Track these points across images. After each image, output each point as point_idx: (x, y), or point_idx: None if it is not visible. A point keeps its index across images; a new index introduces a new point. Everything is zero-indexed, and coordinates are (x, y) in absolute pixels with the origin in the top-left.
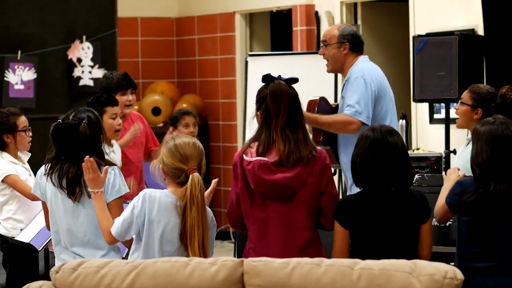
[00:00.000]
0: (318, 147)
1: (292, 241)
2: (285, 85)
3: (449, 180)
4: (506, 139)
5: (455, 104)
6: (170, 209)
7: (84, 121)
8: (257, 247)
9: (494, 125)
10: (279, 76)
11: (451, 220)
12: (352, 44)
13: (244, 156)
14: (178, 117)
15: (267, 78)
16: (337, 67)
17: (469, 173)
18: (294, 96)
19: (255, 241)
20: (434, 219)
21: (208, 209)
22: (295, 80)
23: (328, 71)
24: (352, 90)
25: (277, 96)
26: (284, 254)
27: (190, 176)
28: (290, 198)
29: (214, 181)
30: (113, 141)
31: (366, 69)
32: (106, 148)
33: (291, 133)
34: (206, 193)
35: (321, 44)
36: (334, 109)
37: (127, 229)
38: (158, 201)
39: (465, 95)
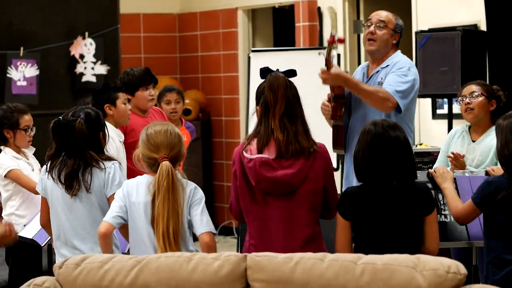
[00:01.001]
0: (319, 142)
1: (293, 237)
2: (283, 76)
3: (447, 179)
4: None
5: (467, 98)
6: (150, 191)
7: (81, 117)
8: (258, 244)
9: None
10: (277, 70)
11: (447, 216)
12: (399, 38)
13: (244, 153)
14: (161, 93)
15: (265, 71)
16: (382, 52)
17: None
18: (292, 87)
19: (256, 238)
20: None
21: (192, 184)
22: (293, 72)
23: (369, 51)
24: (401, 74)
25: (274, 86)
26: (285, 250)
27: (160, 165)
28: (291, 194)
29: None
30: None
31: (413, 66)
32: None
33: (290, 124)
34: None
35: (376, 23)
36: None
37: (116, 213)
38: (136, 185)
39: (475, 87)
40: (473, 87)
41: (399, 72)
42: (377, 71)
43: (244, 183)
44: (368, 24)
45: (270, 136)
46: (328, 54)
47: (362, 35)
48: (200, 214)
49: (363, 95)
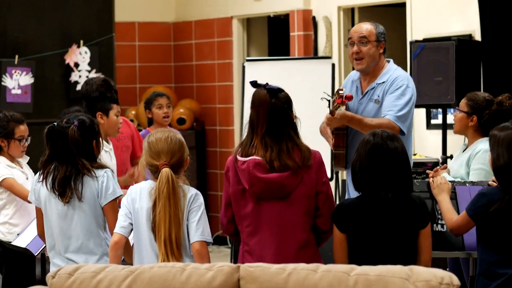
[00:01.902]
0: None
1: (287, 242)
2: (265, 94)
3: (443, 190)
4: None
5: (451, 111)
6: (152, 197)
7: (74, 124)
8: (251, 249)
9: (511, 129)
10: (267, 83)
11: (444, 226)
12: (385, 45)
13: (237, 156)
14: (151, 99)
15: (254, 84)
16: (372, 66)
17: (460, 177)
18: (276, 103)
19: (250, 243)
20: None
21: (193, 191)
22: (279, 90)
23: (360, 70)
24: (399, 95)
25: (256, 104)
26: (279, 255)
27: (160, 172)
28: (284, 198)
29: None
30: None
31: (411, 80)
32: (105, 147)
33: (273, 142)
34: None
35: (358, 41)
36: None
37: (124, 222)
38: (140, 190)
39: (462, 102)
40: (462, 101)
41: (397, 93)
42: (373, 88)
43: (238, 189)
44: (351, 43)
45: (254, 152)
46: (335, 109)
47: None
48: (196, 222)
49: (367, 129)
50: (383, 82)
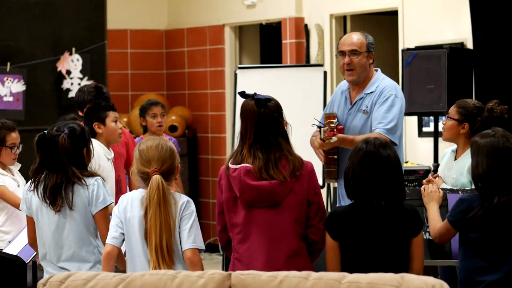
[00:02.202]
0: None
1: (278, 249)
2: (252, 104)
3: (433, 199)
4: (506, 151)
5: (443, 118)
6: (143, 204)
7: (64, 132)
8: (241, 256)
9: (495, 137)
10: (255, 93)
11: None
12: (374, 54)
13: (229, 164)
14: (146, 107)
15: (242, 95)
16: (363, 77)
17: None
18: (266, 113)
19: (240, 251)
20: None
21: (185, 198)
22: (267, 100)
23: (351, 81)
24: (389, 107)
25: (243, 114)
26: (270, 263)
27: (151, 179)
28: (275, 206)
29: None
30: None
31: (398, 89)
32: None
33: (261, 153)
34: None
35: (349, 52)
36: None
37: (116, 233)
38: (131, 199)
39: (452, 109)
40: (451, 109)
41: (386, 105)
42: (361, 98)
43: (231, 197)
44: (341, 53)
45: (242, 161)
46: (327, 139)
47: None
48: (188, 229)
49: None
50: (371, 92)
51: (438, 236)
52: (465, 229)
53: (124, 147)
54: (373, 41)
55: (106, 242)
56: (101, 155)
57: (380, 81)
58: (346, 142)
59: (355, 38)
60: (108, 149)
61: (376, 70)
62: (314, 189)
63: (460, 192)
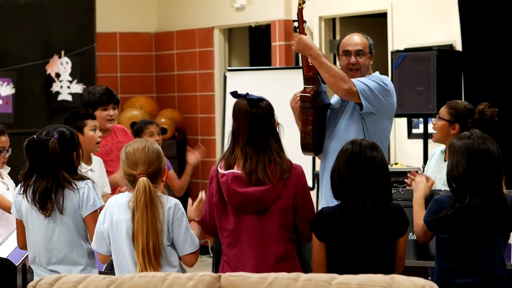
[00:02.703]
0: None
1: (265, 255)
2: (245, 104)
3: (418, 189)
4: (481, 153)
5: (433, 119)
6: (130, 208)
7: (54, 137)
8: (230, 260)
9: (470, 139)
10: (247, 93)
11: None
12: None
13: (218, 169)
14: (142, 127)
15: (234, 95)
16: (363, 75)
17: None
18: (258, 114)
19: (229, 255)
20: (411, 234)
21: (173, 201)
22: (259, 100)
23: (355, 78)
24: (371, 77)
25: (236, 114)
26: (258, 267)
27: (137, 181)
28: (263, 211)
29: (201, 193)
30: (93, 158)
31: (387, 78)
32: (83, 168)
33: (253, 153)
34: (194, 205)
35: (355, 52)
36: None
37: (101, 239)
38: (117, 203)
39: (443, 110)
40: (442, 109)
41: (369, 77)
42: None
43: (220, 200)
44: (345, 53)
45: (234, 161)
46: (300, 16)
47: (337, 56)
48: (183, 234)
49: (323, 68)
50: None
51: (419, 236)
52: (437, 230)
53: None
54: (373, 42)
55: (98, 251)
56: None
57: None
58: (313, 52)
59: (359, 39)
60: (89, 158)
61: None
62: (302, 193)
63: (441, 193)
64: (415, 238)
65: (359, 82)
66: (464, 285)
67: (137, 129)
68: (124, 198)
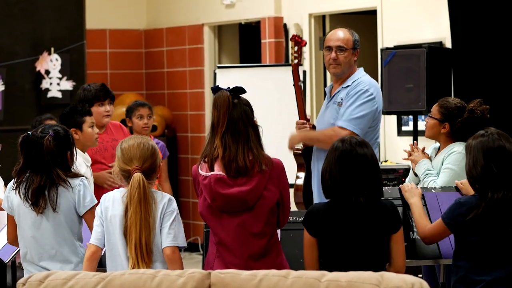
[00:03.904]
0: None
1: (250, 251)
2: (227, 94)
3: (415, 195)
4: (497, 149)
5: (422, 117)
6: (124, 203)
7: (49, 134)
8: (218, 258)
9: (485, 137)
10: (228, 87)
11: (416, 233)
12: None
13: (200, 171)
14: (132, 108)
15: (215, 90)
16: (346, 72)
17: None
18: (239, 104)
19: (216, 252)
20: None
21: (167, 197)
22: (241, 90)
23: (334, 73)
24: (354, 100)
25: (217, 103)
26: (244, 263)
27: (132, 177)
28: (248, 210)
29: None
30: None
31: (374, 85)
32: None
33: (232, 142)
34: None
35: (336, 48)
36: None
37: (100, 234)
38: (112, 198)
39: (434, 108)
40: (433, 107)
41: (353, 99)
42: (338, 91)
43: (203, 200)
44: (327, 48)
45: (215, 154)
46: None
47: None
48: (168, 227)
49: (314, 142)
50: (348, 86)
51: (429, 237)
52: (464, 232)
53: None
54: (359, 38)
55: (90, 242)
56: (80, 162)
57: (359, 76)
58: (306, 138)
59: (342, 34)
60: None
61: (358, 68)
62: (283, 189)
63: (432, 190)
64: (415, 238)
65: (347, 123)
66: (493, 282)
67: (128, 110)
68: (118, 194)
